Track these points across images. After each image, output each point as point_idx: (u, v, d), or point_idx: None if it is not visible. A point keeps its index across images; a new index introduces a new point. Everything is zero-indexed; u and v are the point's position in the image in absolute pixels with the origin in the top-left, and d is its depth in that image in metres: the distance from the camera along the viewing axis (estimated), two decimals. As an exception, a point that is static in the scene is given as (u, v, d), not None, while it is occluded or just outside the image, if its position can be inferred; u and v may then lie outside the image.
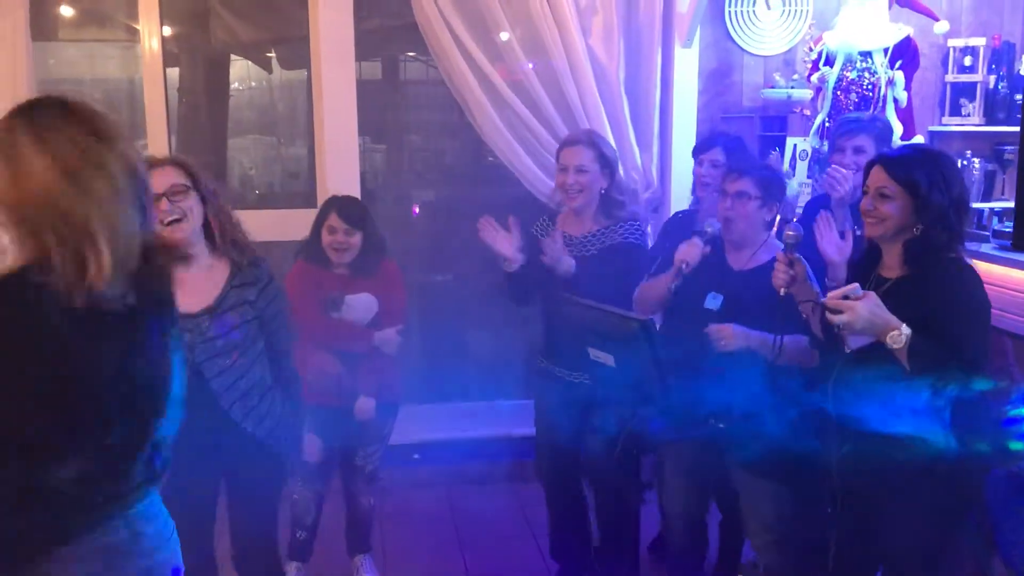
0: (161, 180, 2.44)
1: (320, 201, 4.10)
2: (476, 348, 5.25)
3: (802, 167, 4.02)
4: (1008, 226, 3.26)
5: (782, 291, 2.59)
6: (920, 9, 3.91)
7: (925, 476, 2.34)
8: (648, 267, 3.21)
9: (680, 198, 4.25)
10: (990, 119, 4.06)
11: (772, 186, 2.90)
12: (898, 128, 3.68)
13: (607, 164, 3.19)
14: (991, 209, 3.57)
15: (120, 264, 1.60)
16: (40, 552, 1.64)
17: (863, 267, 2.51)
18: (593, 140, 3.21)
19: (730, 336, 2.78)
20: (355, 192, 4.30)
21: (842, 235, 2.78)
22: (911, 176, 2.31)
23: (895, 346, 2.20)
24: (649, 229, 4.15)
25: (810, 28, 4.23)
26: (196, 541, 2.57)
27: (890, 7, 3.81)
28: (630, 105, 4.22)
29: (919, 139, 3.81)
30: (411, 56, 5.62)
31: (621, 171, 4.06)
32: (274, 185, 5.92)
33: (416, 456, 4.44)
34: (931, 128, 4.22)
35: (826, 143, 3.73)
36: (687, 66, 4.30)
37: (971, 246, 3.04)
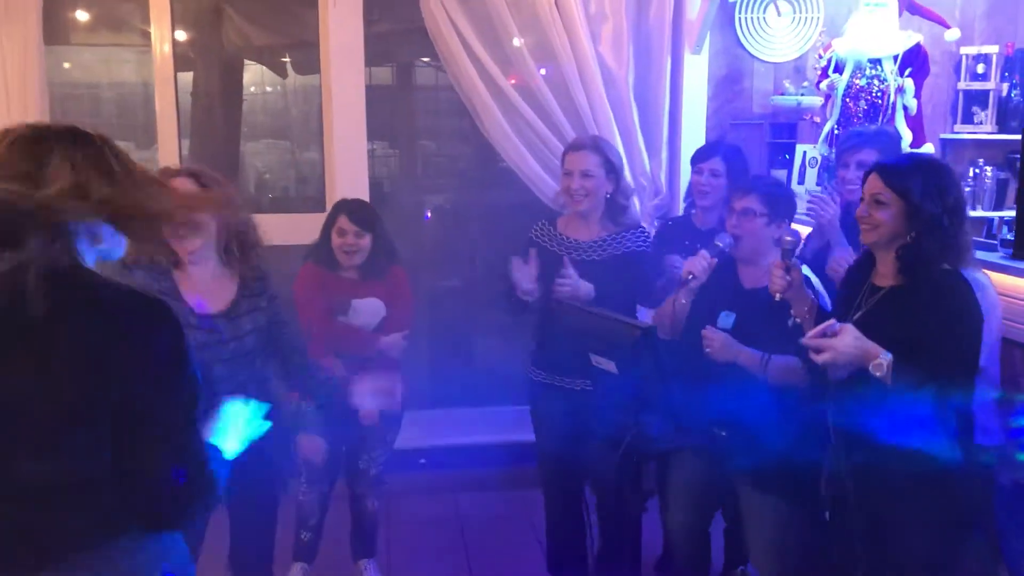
0: None
1: (329, 206, 4.13)
2: (485, 353, 5.25)
3: (811, 174, 4.00)
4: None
5: (777, 296, 2.59)
6: (931, 16, 3.89)
7: (930, 487, 2.32)
8: (653, 273, 3.21)
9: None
10: (1003, 127, 4.02)
11: (779, 202, 2.88)
12: (907, 136, 3.66)
13: (612, 169, 3.19)
14: (1001, 218, 3.53)
15: None
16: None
17: (858, 275, 2.50)
18: (598, 145, 3.21)
19: (719, 346, 2.78)
20: (364, 196, 4.32)
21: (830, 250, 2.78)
22: (905, 183, 2.32)
23: (877, 374, 2.21)
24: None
25: (820, 35, 4.21)
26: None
27: (900, 14, 3.79)
28: (639, 111, 4.22)
29: (929, 147, 3.79)
30: (424, 61, 5.64)
31: (629, 176, 4.07)
32: (288, 189, 5.95)
33: (422, 461, 4.45)
34: (943, 136, 4.18)
35: (835, 151, 3.71)
36: (697, 72, 4.29)
37: (981, 255, 3.03)
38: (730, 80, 4.34)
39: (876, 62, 3.73)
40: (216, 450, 1.72)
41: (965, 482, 2.44)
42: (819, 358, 2.26)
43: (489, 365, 5.08)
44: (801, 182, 3.98)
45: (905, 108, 3.68)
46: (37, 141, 1.55)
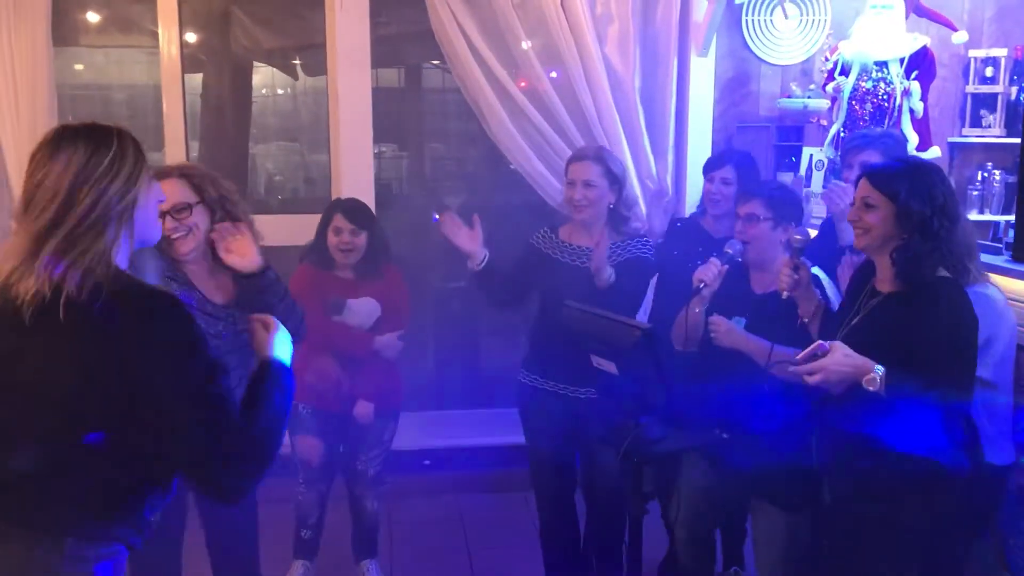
0: (166, 195, 2.48)
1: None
2: (490, 355, 5.25)
3: (818, 177, 3.98)
4: (1024, 240, 3.21)
5: (784, 294, 2.59)
6: (938, 19, 3.87)
7: (932, 493, 2.31)
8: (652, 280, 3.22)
9: (694, 207, 4.22)
10: (1011, 131, 4.00)
11: (784, 205, 2.88)
12: (913, 139, 3.64)
13: (615, 180, 3.20)
14: (1008, 222, 3.51)
15: None
16: None
17: (859, 281, 2.50)
18: (601, 156, 3.23)
19: (724, 331, 2.78)
20: (370, 198, 4.34)
21: (845, 250, 2.76)
22: (893, 185, 2.31)
23: (871, 388, 2.19)
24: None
25: (827, 38, 4.20)
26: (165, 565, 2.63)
27: (907, 17, 3.77)
28: (645, 114, 4.21)
29: (935, 150, 3.77)
30: (432, 64, 5.66)
31: (636, 186, 4.08)
32: (298, 191, 5.98)
33: (426, 462, 4.46)
34: (951, 139, 4.16)
35: (839, 154, 3.70)
36: (703, 75, 4.28)
37: (987, 259, 3.00)
38: (737, 83, 4.33)
39: (882, 65, 3.71)
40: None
41: (969, 488, 2.42)
42: (811, 380, 2.24)
43: (494, 367, 5.09)
44: (807, 185, 3.97)
45: (911, 111, 3.66)
46: None
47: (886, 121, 3.68)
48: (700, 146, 4.29)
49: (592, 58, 4.09)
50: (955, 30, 3.91)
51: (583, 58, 4.10)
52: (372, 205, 4.33)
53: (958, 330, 2.26)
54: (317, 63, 5.03)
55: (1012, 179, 3.99)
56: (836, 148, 3.78)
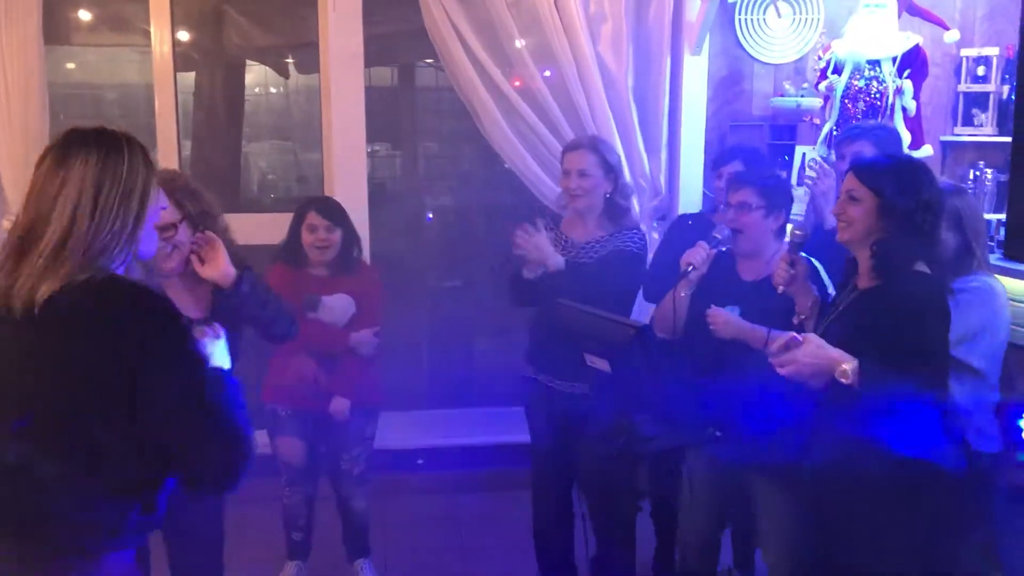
0: None
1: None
2: (484, 353, 5.25)
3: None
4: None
5: (780, 289, 2.59)
6: (930, 18, 3.88)
7: (919, 488, 2.32)
8: (644, 279, 3.21)
9: (688, 205, 4.24)
10: (1003, 129, 4.01)
11: (775, 194, 2.88)
12: (906, 137, 3.65)
13: (610, 170, 3.19)
14: (999, 220, 3.52)
15: None
16: None
17: (844, 277, 2.51)
18: (596, 145, 3.22)
19: (723, 323, 2.78)
20: (363, 197, 4.34)
21: (830, 232, 2.76)
22: (878, 180, 2.32)
23: (844, 380, 2.20)
24: (656, 236, 4.15)
25: (820, 36, 4.20)
26: None
27: (899, 16, 3.78)
28: (639, 112, 4.21)
29: (928, 149, 3.78)
30: (426, 62, 5.65)
31: (628, 176, 4.07)
32: (291, 189, 5.97)
33: (420, 461, 4.45)
34: (943, 138, 4.17)
35: (833, 152, 3.70)
36: (696, 74, 4.28)
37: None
38: (730, 81, 4.33)
39: (875, 63, 3.72)
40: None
41: (959, 483, 2.43)
42: (783, 371, 2.26)
43: (489, 366, 5.09)
44: (800, 183, 3.97)
45: (904, 109, 3.67)
46: None
47: (879, 119, 3.68)
48: (693, 145, 4.29)
49: (585, 57, 4.09)
50: (947, 29, 3.93)
51: (576, 57, 4.10)
52: (365, 204, 4.35)
53: (928, 326, 2.27)
54: (310, 61, 5.03)
55: (1004, 178, 4.00)
56: (829, 147, 3.78)
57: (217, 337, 1.90)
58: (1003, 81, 4.03)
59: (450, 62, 4.15)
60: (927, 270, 2.33)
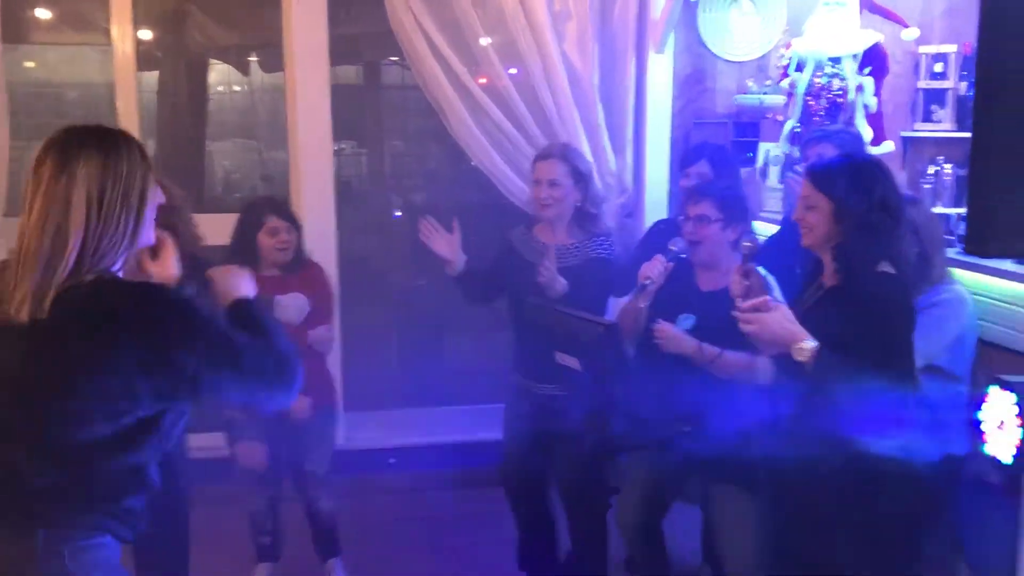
0: None
1: (296, 205, 4.12)
2: (454, 352, 5.25)
3: (774, 172, 4.03)
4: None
5: (738, 301, 2.62)
6: (889, 16, 3.93)
7: (897, 484, 2.35)
8: (616, 279, 3.24)
9: (654, 202, 4.27)
10: (962, 125, 4.06)
11: (733, 207, 2.93)
12: (868, 134, 3.70)
13: (581, 178, 3.22)
14: (959, 215, 3.58)
15: None
16: None
17: (810, 276, 2.54)
18: (566, 154, 3.24)
19: (668, 337, 2.83)
20: (330, 196, 4.32)
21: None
22: (830, 183, 2.35)
23: (799, 358, 2.25)
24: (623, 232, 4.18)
25: (783, 34, 4.25)
26: None
27: (860, 13, 3.83)
28: (604, 111, 4.23)
29: (889, 145, 3.83)
30: (393, 60, 5.64)
31: (599, 183, 4.09)
32: (256, 189, 5.93)
33: (392, 460, 4.45)
34: (904, 134, 4.23)
35: (796, 149, 3.75)
36: (661, 72, 4.31)
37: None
38: (694, 79, 4.37)
39: (837, 61, 3.77)
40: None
41: (926, 478, 2.47)
42: (746, 328, 2.32)
43: (458, 363, 5.10)
44: (764, 179, 4.02)
45: (865, 106, 3.72)
46: None
47: (840, 116, 3.73)
48: (659, 142, 4.32)
49: (551, 56, 4.11)
50: (906, 26, 3.98)
51: (542, 56, 4.11)
52: (332, 203, 4.34)
53: (891, 326, 2.30)
54: (275, 60, 5.00)
55: (963, 172, 4.07)
56: (792, 143, 3.83)
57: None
58: (961, 78, 4.09)
59: (416, 60, 4.14)
60: (891, 270, 2.35)
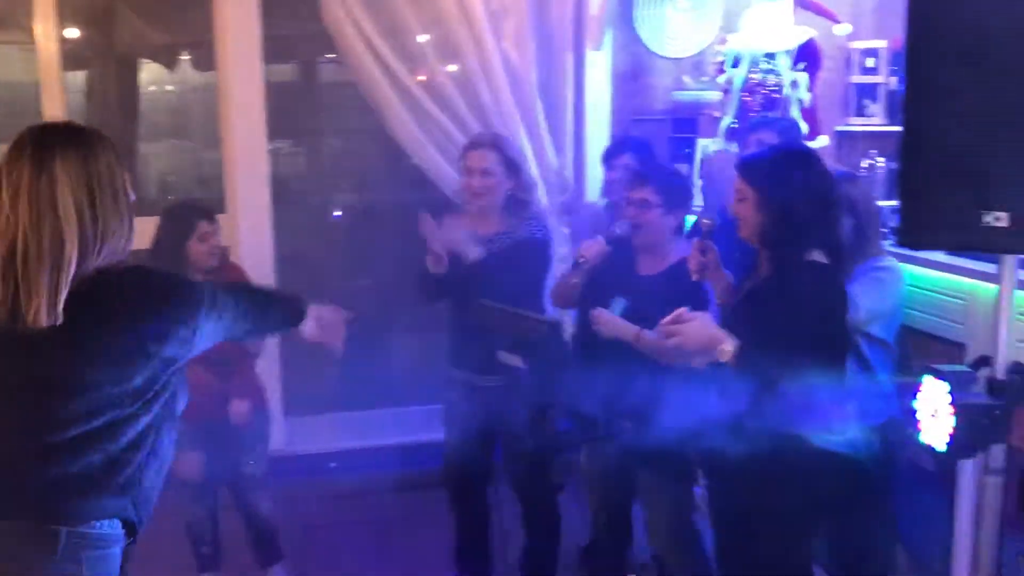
0: None
1: (231, 206, 4.05)
2: (395, 353, 5.20)
3: (712, 168, 4.06)
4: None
5: (695, 276, 2.64)
6: (821, 11, 3.99)
7: (831, 470, 2.38)
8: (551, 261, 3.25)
9: (594, 200, 4.27)
10: (893, 119, 4.14)
11: (675, 192, 2.94)
12: (803, 129, 3.75)
13: (512, 166, 3.21)
14: (891, 208, 3.64)
15: None
16: None
17: (747, 269, 2.56)
18: (497, 143, 3.23)
19: (604, 323, 2.86)
20: (266, 196, 4.25)
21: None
22: (753, 174, 2.38)
23: (722, 360, 2.29)
24: (565, 230, 4.18)
25: (719, 30, 4.28)
26: None
27: (794, 10, 3.88)
28: (544, 108, 4.23)
29: (824, 139, 3.89)
30: (329, 57, 5.55)
31: (535, 170, 4.08)
32: (192, 191, 5.80)
33: (332, 464, 4.39)
34: (837, 128, 4.30)
35: (734, 144, 3.77)
36: (599, 69, 4.32)
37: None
38: (632, 76, 4.38)
39: (771, 56, 3.81)
40: None
41: (866, 467, 2.51)
42: (669, 343, 2.35)
43: (399, 365, 5.04)
44: (702, 176, 4.04)
45: (800, 101, 3.77)
46: None
47: (776, 112, 3.77)
48: (598, 139, 4.32)
49: (489, 52, 4.09)
50: (838, 22, 4.04)
51: (480, 52, 4.09)
52: (268, 203, 4.27)
53: (820, 317, 2.32)
54: (207, 59, 4.89)
55: (895, 166, 4.14)
56: (729, 139, 3.86)
57: None
58: (892, 73, 4.17)
59: (351, 58, 4.09)
60: (823, 259, 2.37)
